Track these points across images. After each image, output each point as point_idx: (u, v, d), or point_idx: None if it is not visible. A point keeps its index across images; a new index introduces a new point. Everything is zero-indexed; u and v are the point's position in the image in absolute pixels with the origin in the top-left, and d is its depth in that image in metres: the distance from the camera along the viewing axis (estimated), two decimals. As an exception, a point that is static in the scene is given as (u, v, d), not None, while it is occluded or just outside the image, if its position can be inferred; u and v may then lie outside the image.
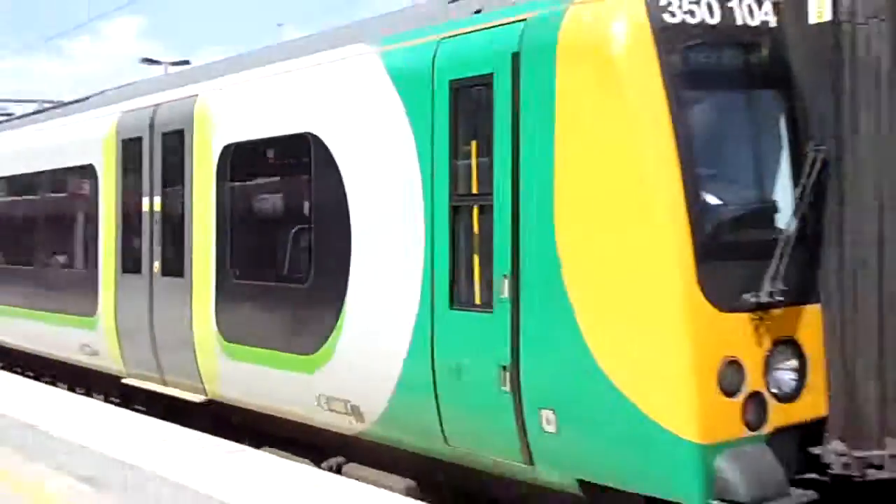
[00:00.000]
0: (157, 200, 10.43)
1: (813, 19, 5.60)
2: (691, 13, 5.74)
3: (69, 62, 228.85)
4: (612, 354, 5.71)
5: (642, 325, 5.60)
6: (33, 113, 16.46)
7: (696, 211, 5.58)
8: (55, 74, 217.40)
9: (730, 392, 5.55)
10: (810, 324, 5.75)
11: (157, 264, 10.39)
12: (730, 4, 5.87)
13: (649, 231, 5.56)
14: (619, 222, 5.76)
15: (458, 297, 6.83)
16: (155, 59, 41.79)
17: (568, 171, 5.98)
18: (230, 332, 9.17)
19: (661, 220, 5.53)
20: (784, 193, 5.88)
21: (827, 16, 5.52)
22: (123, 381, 11.03)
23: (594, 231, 5.90)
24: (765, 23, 5.93)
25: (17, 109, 44.06)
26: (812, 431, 5.65)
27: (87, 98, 14.15)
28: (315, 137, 8.31)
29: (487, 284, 6.56)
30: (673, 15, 5.70)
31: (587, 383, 5.81)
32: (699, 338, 5.45)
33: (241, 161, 9.36)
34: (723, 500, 5.29)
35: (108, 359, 11.17)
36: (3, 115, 43.12)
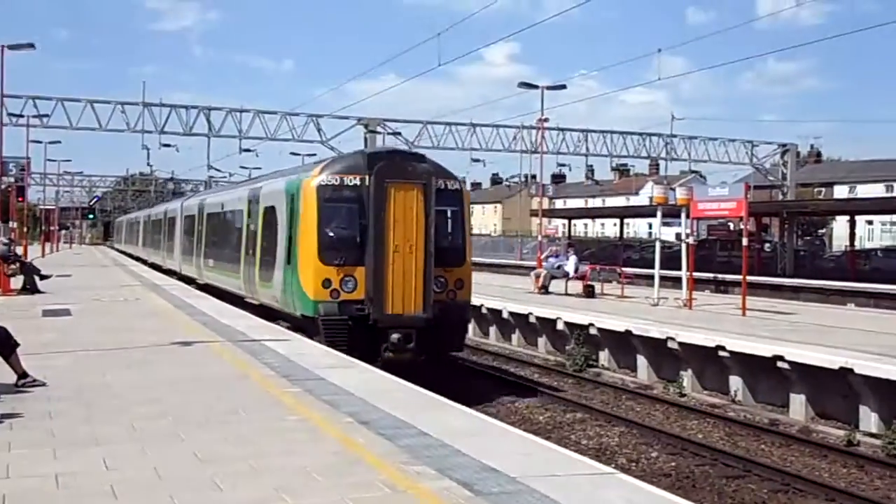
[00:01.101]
0: (254, 226, 22.44)
1: (367, 183, 16.85)
2: (331, 179, 17.41)
3: (453, 85, 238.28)
4: (302, 277, 17.42)
5: (306, 270, 17.32)
6: (237, 183, 34.70)
7: (322, 239, 17.20)
8: (440, 96, 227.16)
9: (325, 287, 16.88)
10: (361, 271, 16.73)
11: (249, 252, 22.73)
12: (343, 178, 17.37)
13: (308, 244, 17.31)
14: (304, 241, 17.44)
15: (287, 261, 18.38)
16: (532, 83, 43.10)
17: (302, 224, 17.63)
18: (260, 279, 21.35)
19: (310, 242, 17.27)
20: (355, 235, 17.12)
21: (369, 182, 16.78)
22: (245, 299, 23.44)
23: (300, 243, 17.62)
24: (355, 184, 17.24)
25: (404, 129, 49.15)
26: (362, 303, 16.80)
27: (246, 180, 33.03)
28: (273, 206, 20.32)
29: (291, 256, 18.12)
30: (325, 182, 17.42)
31: (297, 285, 17.57)
32: (316, 273, 17.04)
33: (265, 213, 21.26)
34: (316, 314, 16.86)
35: (243, 291, 23.60)
36: (391, 133, 48.68)
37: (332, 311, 16.86)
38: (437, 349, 17.44)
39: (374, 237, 16.62)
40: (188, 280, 33.19)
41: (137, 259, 57.54)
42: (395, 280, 16.64)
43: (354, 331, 16.73)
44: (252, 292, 22.54)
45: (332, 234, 17.38)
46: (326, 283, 16.97)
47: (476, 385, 19.83)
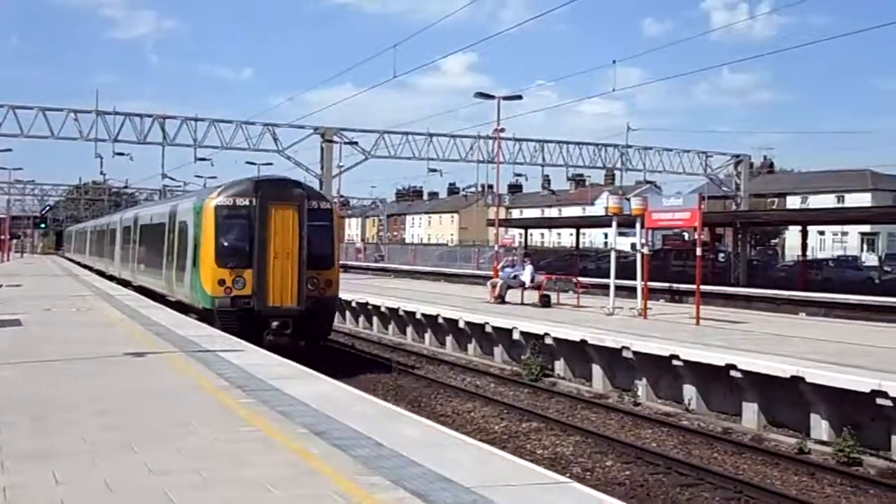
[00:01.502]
0: (172, 236, 26.29)
1: (254, 204, 21.27)
2: (226, 201, 21.59)
3: (411, 95, 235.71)
4: (203, 278, 21.53)
5: (206, 271, 21.45)
6: (160, 198, 44.30)
7: (218, 248, 21.41)
8: (397, 106, 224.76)
9: (220, 285, 20.93)
10: (249, 273, 20.84)
11: (169, 258, 26.64)
12: (236, 199, 21.58)
13: (208, 252, 21.50)
14: (205, 249, 21.64)
15: (193, 265, 22.40)
16: (489, 94, 42.84)
17: (202, 235, 21.95)
18: (176, 279, 25.16)
19: (209, 249, 21.47)
20: (244, 244, 21.22)
21: (255, 203, 21.15)
22: (167, 297, 26.59)
23: (202, 250, 21.79)
24: (245, 205, 21.32)
25: (361, 139, 49.12)
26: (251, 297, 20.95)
27: (172, 196, 48.53)
28: (185, 221, 24.19)
29: (195, 261, 22.24)
30: (221, 203, 21.62)
31: (200, 284, 21.70)
32: (213, 274, 21.15)
33: (179, 227, 25.02)
34: (213, 307, 20.96)
35: (165, 290, 27.27)
36: (348, 142, 48.87)
37: (226, 304, 20.97)
38: (310, 335, 21.42)
39: (258, 246, 20.97)
40: (126, 283, 36.90)
41: (86, 267, 58.89)
42: (275, 279, 20.96)
43: (243, 319, 20.54)
44: (171, 291, 26.31)
45: (226, 243, 21.56)
46: (221, 282, 21.07)
47: (432, 395, 19.84)
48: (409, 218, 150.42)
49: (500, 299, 30.16)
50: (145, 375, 12.84)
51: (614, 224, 27.95)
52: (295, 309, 20.96)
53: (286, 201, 21.35)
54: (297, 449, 8.35)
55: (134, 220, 37.05)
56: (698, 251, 26.01)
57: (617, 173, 73.24)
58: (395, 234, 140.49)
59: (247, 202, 21.37)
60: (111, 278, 42.27)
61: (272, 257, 20.89)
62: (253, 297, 20.83)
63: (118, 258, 42.08)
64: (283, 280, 20.96)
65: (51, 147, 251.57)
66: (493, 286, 31.05)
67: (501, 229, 45.77)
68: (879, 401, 13.77)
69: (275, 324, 20.64)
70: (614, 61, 74.36)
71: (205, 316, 21.68)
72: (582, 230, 59.67)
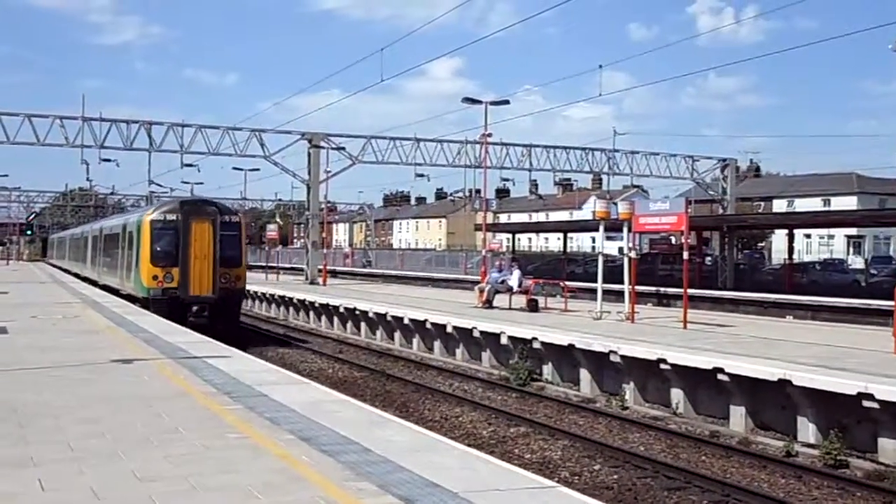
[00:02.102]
0: (124, 244, 32.36)
1: (179, 219, 28.24)
2: (159, 216, 28.60)
3: (398, 100, 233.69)
4: (142, 274, 28.37)
5: (143, 269, 28.28)
6: (120, 211, 54.49)
7: (153, 251, 28.19)
8: (384, 111, 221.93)
9: (154, 280, 27.77)
10: (176, 270, 27.75)
11: (122, 261, 32.71)
12: (166, 215, 28.52)
13: (145, 254, 28.39)
14: (143, 253, 28.53)
15: (136, 264, 29.15)
16: (476, 98, 42.72)
17: (142, 242, 28.63)
18: (125, 276, 31.69)
19: (146, 253, 28.35)
20: (172, 249, 27.85)
21: (180, 218, 28.08)
22: (121, 291, 32.42)
23: (141, 254, 28.77)
24: (173, 219, 28.17)
25: (348, 144, 49.37)
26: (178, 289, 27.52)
27: (128, 211, 56.55)
28: (132, 231, 30.65)
29: (137, 261, 29.07)
30: (155, 218, 28.58)
31: (139, 279, 28.64)
32: (149, 271, 28.00)
33: (129, 236, 31.26)
34: (149, 296, 27.77)
35: (119, 286, 33.08)
36: (335, 148, 48.82)
37: (158, 294, 27.60)
38: (223, 317, 27.46)
39: (182, 250, 27.62)
40: (94, 283, 42.51)
41: (66, 271, 63.17)
42: (195, 275, 27.56)
43: (171, 305, 26.75)
44: (123, 286, 32.75)
45: (158, 248, 28.14)
46: (155, 277, 27.77)
47: (419, 400, 19.82)
48: (396, 223, 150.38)
49: (488, 304, 30.18)
50: (132, 382, 12.78)
51: (601, 228, 27.98)
52: (210, 297, 27.61)
53: (203, 216, 28.12)
54: (284, 455, 8.34)
55: (100, 230, 44.23)
56: (685, 255, 26.03)
57: (604, 177, 73.28)
58: (383, 239, 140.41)
59: (174, 217, 28.21)
60: (84, 279, 47.82)
61: (193, 258, 27.56)
62: (178, 289, 27.47)
63: (89, 262, 48.49)
64: (201, 275, 27.54)
65: (37, 154, 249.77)
66: (481, 291, 31.08)
67: (489, 234, 45.81)
68: (866, 403, 13.83)
69: (195, 308, 27.23)
70: (601, 66, 74.36)
71: (144, 303, 27.92)
72: (569, 234, 59.67)
